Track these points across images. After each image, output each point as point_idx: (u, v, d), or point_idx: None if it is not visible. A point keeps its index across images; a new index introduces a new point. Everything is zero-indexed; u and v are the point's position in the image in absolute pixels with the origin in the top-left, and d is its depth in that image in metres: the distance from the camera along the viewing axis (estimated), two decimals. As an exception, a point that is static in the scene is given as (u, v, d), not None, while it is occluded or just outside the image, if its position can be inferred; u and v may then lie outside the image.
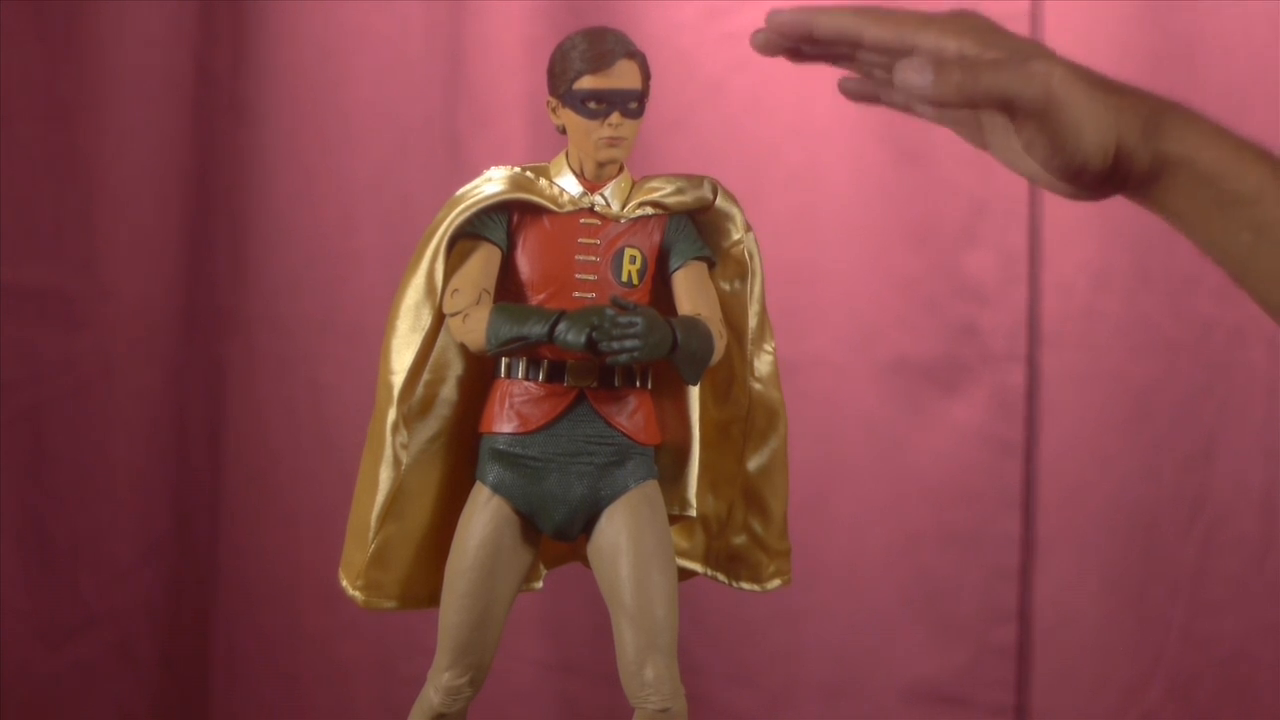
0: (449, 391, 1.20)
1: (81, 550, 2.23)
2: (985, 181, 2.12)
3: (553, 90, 1.18)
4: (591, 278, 1.17)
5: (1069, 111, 1.02)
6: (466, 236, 1.18)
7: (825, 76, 2.13)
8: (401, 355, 1.18)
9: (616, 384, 1.17)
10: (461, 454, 1.20)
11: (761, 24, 2.17)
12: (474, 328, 1.15)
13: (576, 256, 1.17)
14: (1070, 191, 1.08)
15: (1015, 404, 2.14)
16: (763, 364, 1.22)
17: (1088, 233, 2.13)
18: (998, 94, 1.02)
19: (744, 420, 1.22)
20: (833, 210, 2.16)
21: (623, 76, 1.17)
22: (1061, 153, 1.03)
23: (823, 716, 2.18)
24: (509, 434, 1.17)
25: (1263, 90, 2.07)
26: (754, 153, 2.15)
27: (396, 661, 2.17)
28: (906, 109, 1.09)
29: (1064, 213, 2.13)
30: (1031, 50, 1.03)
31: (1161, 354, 2.15)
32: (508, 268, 1.19)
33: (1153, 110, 1.05)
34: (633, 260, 1.18)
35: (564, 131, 1.19)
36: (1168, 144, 1.04)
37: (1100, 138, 1.03)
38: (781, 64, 2.11)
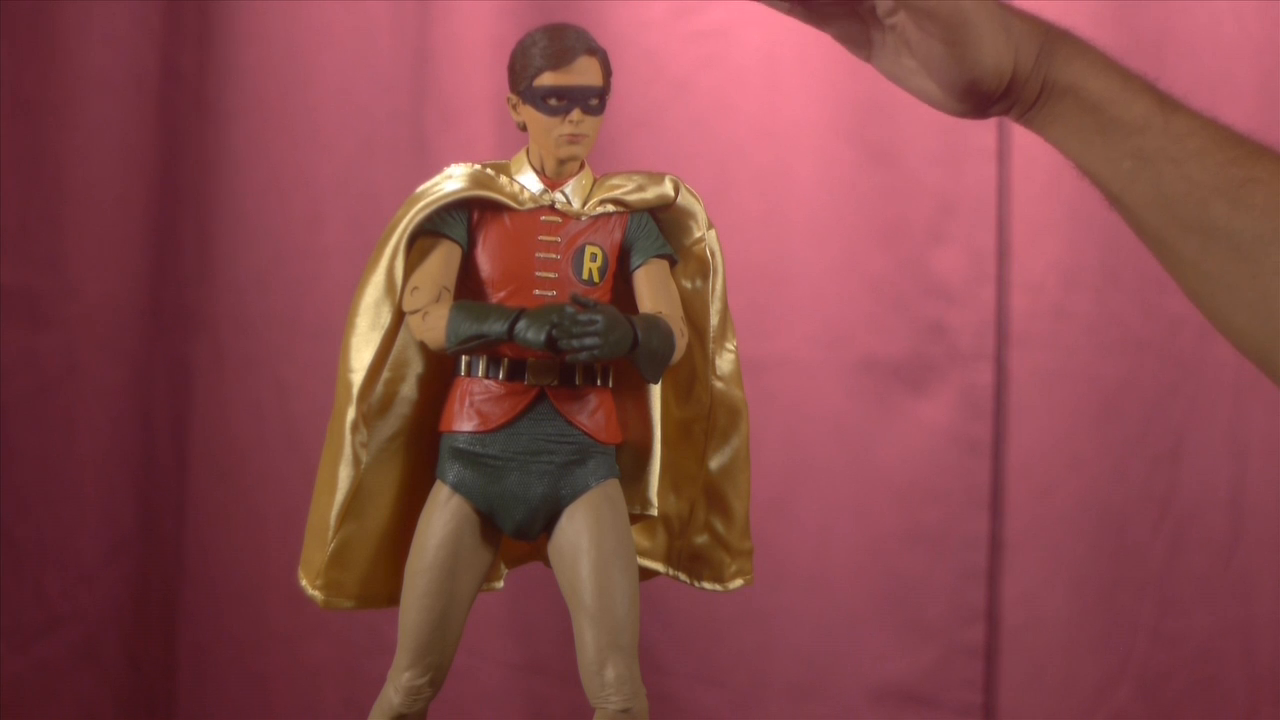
0: (409, 390, 1.19)
1: (46, 550, 2.22)
2: (953, 180, 2.13)
3: (513, 87, 1.18)
4: (552, 275, 1.17)
5: (974, 32, 1.05)
6: (426, 234, 1.17)
7: (793, 76, 2.14)
8: (361, 353, 1.18)
9: (577, 382, 1.17)
10: (421, 453, 1.19)
11: (729, 23, 2.18)
12: (434, 325, 1.14)
13: (537, 254, 1.17)
14: (958, 110, 1.11)
15: (984, 403, 2.14)
16: (725, 362, 1.22)
17: (1056, 232, 2.13)
18: (918, 5, 1.05)
19: (706, 419, 1.22)
20: (800, 209, 2.15)
21: (583, 73, 1.16)
22: (960, 70, 1.07)
23: (790, 716, 2.18)
24: (469, 432, 1.16)
25: (1231, 89, 2.07)
26: (722, 152, 2.15)
27: (363, 661, 2.17)
28: (790, 11, 1.12)
29: (1033, 212, 2.13)
30: None
31: (1130, 353, 2.15)
32: (468, 265, 1.18)
33: (1047, 37, 1.09)
34: (594, 258, 1.18)
35: (524, 128, 1.18)
36: (1057, 71, 1.09)
37: (998, 60, 1.07)
38: (749, 63, 2.13)
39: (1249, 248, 1.06)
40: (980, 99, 1.10)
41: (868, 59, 1.15)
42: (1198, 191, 1.07)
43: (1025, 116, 1.12)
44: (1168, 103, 1.10)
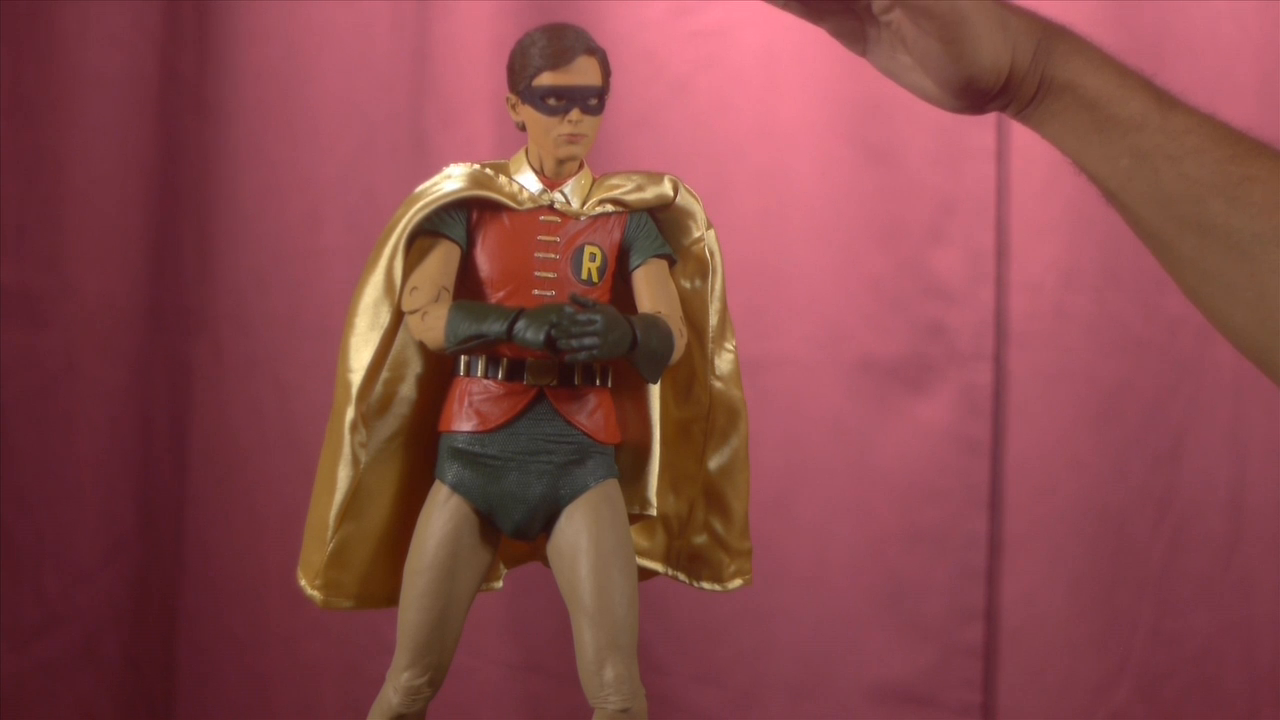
0: (408, 390, 1.19)
1: (45, 550, 2.22)
2: (953, 180, 2.12)
3: (512, 87, 1.17)
4: (551, 275, 1.17)
5: (971, 29, 1.05)
6: (425, 234, 1.17)
7: (792, 76, 2.14)
8: (360, 353, 1.18)
9: (576, 382, 1.17)
10: (420, 453, 1.19)
11: (728, 23, 2.18)
12: (433, 325, 1.14)
13: (536, 254, 1.17)
14: (955, 106, 1.11)
15: (983, 403, 2.14)
16: (724, 362, 1.22)
17: (1056, 231, 2.13)
18: (914, 2, 1.06)
19: (705, 419, 1.22)
20: (800, 209, 2.15)
21: (583, 73, 1.16)
22: (957, 67, 1.07)
23: (789, 716, 2.18)
24: (468, 432, 1.16)
25: (1230, 89, 2.07)
26: (721, 152, 2.15)
27: (362, 661, 2.16)
28: (786, 6, 1.12)
29: (1032, 212, 2.13)
30: None
31: (1129, 353, 2.15)
32: (467, 265, 1.18)
33: (1044, 34, 1.09)
34: (593, 258, 1.18)
35: (524, 128, 1.18)
36: (1055, 68, 1.09)
37: (996, 57, 1.07)
38: (748, 63, 2.13)
39: (1247, 245, 1.06)
40: (977, 96, 1.10)
41: (863, 54, 1.14)
42: (1195, 189, 1.07)
43: (1023, 113, 1.12)
44: (1165, 100, 1.09)
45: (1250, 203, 1.06)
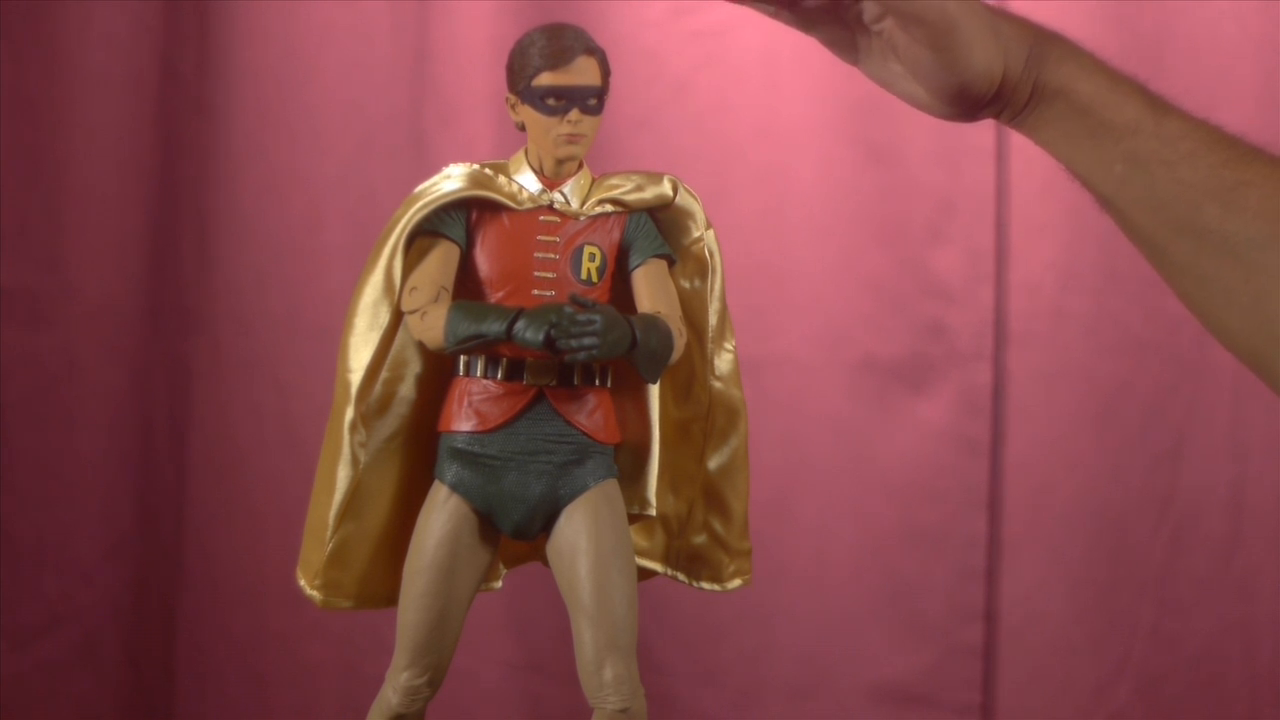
0: (407, 390, 1.19)
1: (46, 550, 2.22)
2: (952, 180, 2.13)
3: (512, 87, 1.17)
4: (550, 275, 1.17)
5: (962, 36, 1.05)
6: (425, 234, 1.17)
7: (793, 76, 2.14)
8: (359, 353, 1.17)
9: (576, 382, 1.16)
10: (420, 453, 1.19)
11: (728, 23, 2.18)
12: (432, 325, 1.14)
13: (535, 254, 1.17)
14: (948, 113, 1.11)
15: (982, 403, 2.14)
16: (723, 362, 1.22)
17: (1055, 232, 2.13)
18: (905, 10, 1.05)
19: (704, 419, 1.22)
20: (800, 209, 2.15)
21: (582, 73, 1.16)
22: (949, 75, 1.06)
23: (789, 716, 2.18)
24: (467, 432, 1.16)
25: (1230, 90, 2.07)
26: (721, 152, 2.15)
27: (362, 661, 2.16)
28: (776, 15, 1.12)
29: (1032, 212, 2.13)
30: None
31: (1129, 353, 2.15)
32: (467, 265, 1.18)
33: (1036, 40, 1.09)
34: (592, 258, 1.18)
35: (523, 128, 1.18)
36: (1048, 74, 1.08)
37: (988, 64, 1.06)
38: (748, 63, 2.13)
39: (1242, 250, 1.06)
40: (970, 103, 1.10)
41: (855, 63, 1.14)
42: (1190, 194, 1.07)
43: (1015, 120, 1.12)
44: (1159, 105, 1.09)
45: (1245, 207, 1.06)
